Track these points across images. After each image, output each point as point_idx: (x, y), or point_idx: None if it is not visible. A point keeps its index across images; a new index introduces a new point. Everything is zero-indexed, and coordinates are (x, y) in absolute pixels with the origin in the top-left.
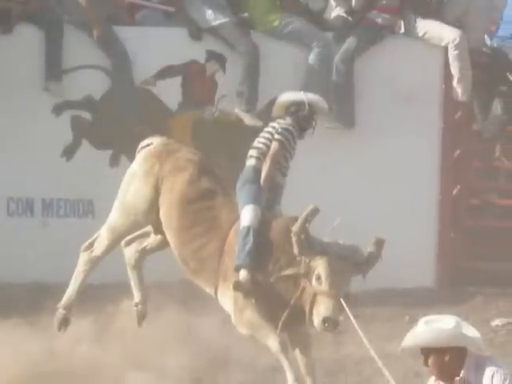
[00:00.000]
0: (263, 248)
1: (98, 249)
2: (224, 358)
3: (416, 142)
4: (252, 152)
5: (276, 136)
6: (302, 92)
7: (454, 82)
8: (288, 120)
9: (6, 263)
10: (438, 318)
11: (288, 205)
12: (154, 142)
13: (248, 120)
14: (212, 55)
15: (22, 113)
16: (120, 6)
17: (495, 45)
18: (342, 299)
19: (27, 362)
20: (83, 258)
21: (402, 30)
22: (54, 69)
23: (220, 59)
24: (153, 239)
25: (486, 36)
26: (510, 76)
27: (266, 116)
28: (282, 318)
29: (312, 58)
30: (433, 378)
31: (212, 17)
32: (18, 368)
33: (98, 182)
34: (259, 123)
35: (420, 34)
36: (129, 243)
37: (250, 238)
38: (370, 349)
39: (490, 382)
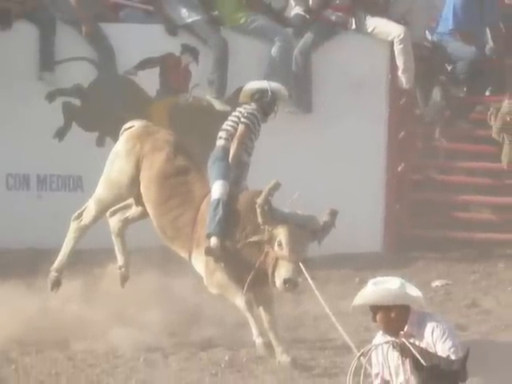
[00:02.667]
0: (231, 218)
1: (86, 218)
2: (196, 314)
3: (365, 125)
4: (221, 133)
5: (242, 120)
6: (265, 81)
7: (399, 73)
8: (253, 105)
9: (6, 231)
10: (385, 279)
11: (253, 180)
12: (135, 125)
13: (218, 105)
14: (186, 48)
15: (20, 99)
16: (105, 5)
17: (435, 39)
18: (300, 263)
19: (24, 318)
20: (73, 227)
21: (354, 27)
22: (47, 61)
23: (193, 52)
24: (134, 210)
25: (427, 32)
26: (448, 67)
27: (234, 102)
28: (248, 280)
29: (274, 51)
30: (380, 333)
31: (186, 15)
32: (16, 324)
33: (86, 160)
34: (228, 108)
35: (369, 30)
36: (113, 214)
37: (220, 210)
38: (325, 307)
39: (430, 335)
